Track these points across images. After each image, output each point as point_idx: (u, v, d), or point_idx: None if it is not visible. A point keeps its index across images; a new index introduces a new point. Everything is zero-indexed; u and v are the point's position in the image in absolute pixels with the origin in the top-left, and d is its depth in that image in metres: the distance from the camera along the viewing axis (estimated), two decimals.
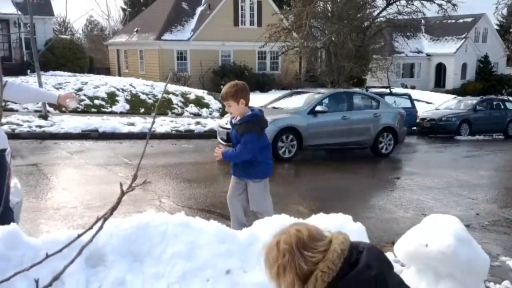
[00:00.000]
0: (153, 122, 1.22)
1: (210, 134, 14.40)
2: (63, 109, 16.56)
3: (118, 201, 1.08)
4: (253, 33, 27.32)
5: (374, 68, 24.81)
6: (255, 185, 4.57)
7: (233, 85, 4.47)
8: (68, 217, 5.96)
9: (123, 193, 1.07)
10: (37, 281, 0.92)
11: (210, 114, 18.95)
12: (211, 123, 15.71)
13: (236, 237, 3.39)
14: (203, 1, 31.73)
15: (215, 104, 19.81)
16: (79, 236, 1.11)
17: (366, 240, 3.62)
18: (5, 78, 3.90)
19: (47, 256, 1.02)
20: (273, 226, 3.42)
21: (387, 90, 17.21)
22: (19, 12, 17.57)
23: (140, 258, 3.07)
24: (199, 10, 31.32)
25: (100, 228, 1.07)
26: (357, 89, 16.59)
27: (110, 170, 8.85)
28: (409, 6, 23.91)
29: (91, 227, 1.07)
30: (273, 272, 1.67)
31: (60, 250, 1.03)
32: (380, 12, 23.98)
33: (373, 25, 23.75)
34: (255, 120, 4.45)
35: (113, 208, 1.10)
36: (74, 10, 64.23)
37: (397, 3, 23.89)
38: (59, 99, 3.87)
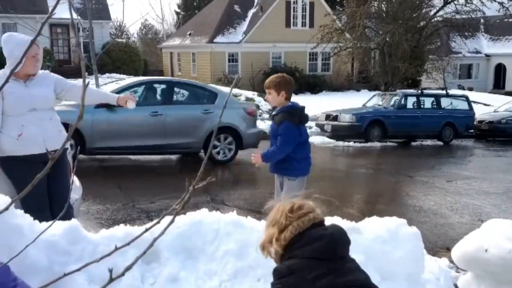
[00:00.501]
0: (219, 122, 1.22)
1: (262, 136, 14.45)
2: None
3: (189, 197, 1.09)
4: (304, 34, 27.20)
5: (430, 69, 24.15)
6: (291, 183, 4.35)
7: (279, 76, 4.36)
8: (124, 215, 6.14)
9: (194, 188, 1.09)
10: (110, 271, 0.96)
11: (260, 115, 19.00)
12: (261, 125, 15.75)
13: None
14: (255, 3, 31.92)
15: (265, 105, 19.85)
16: (147, 230, 1.15)
17: (421, 245, 3.53)
18: (69, 80, 4.09)
19: (116, 248, 1.06)
20: None
21: (443, 92, 16.70)
22: (79, 17, 18.26)
23: (194, 255, 3.12)
24: (251, 12, 31.53)
25: (171, 222, 1.10)
26: (184, 80, 12.89)
27: (164, 168, 9.05)
28: (468, 4, 23.11)
29: (158, 222, 1.10)
30: (267, 222, 2.29)
31: (128, 244, 1.07)
32: (437, 11, 23.29)
33: (430, 25, 23.11)
34: (293, 111, 4.30)
35: (185, 203, 1.12)
36: (130, 14, 66.33)
37: (455, 2, 23.15)
38: (119, 100, 4.05)
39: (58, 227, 2.83)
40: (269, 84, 4.32)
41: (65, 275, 1.10)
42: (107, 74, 24.53)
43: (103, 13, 28.67)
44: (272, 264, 3.20)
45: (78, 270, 1.05)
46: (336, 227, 2.28)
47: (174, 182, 7.32)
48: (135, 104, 4.15)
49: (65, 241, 2.82)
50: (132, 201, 6.84)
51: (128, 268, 0.98)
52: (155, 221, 1.16)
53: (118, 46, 27.62)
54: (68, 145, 3.98)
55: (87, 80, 0.99)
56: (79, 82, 3.96)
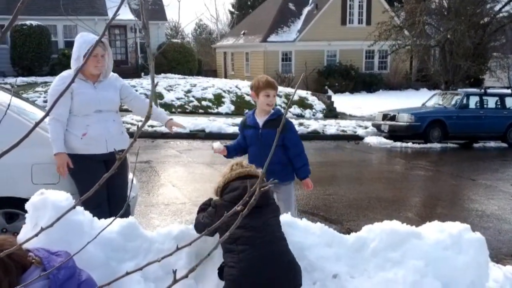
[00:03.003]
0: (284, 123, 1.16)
1: (314, 136, 14.30)
2: (173, 109, 17.40)
3: (244, 213, 1.06)
4: (361, 32, 26.69)
5: (494, 67, 23.02)
6: (287, 187, 4.12)
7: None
8: (177, 213, 6.21)
9: (250, 204, 1.07)
10: (175, 272, 0.93)
11: (313, 115, 18.82)
12: (314, 124, 15.58)
13: (343, 240, 3.32)
14: (310, 1, 31.65)
15: (318, 105, 19.64)
16: (208, 231, 1.12)
17: (486, 252, 3.35)
18: (124, 80, 4.16)
19: (178, 248, 1.03)
20: (382, 231, 3.29)
21: (508, 91, 15.89)
22: (136, 18, 18.72)
23: None
24: (306, 10, 31.31)
25: (220, 222, 1.06)
26: None
27: (216, 169, 9.10)
28: None
29: (218, 224, 1.07)
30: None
31: (190, 244, 1.04)
32: (503, 6, 22.12)
33: (494, 21, 22.02)
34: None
35: (250, 205, 1.08)
36: (185, 15, 67.60)
37: None
38: (168, 123, 4.19)
39: (115, 224, 2.86)
40: (275, 85, 4.13)
41: (127, 273, 1.08)
42: (162, 74, 25.04)
43: (159, 13, 29.25)
44: (329, 268, 3.12)
45: (140, 269, 1.03)
46: (254, 182, 2.56)
47: None
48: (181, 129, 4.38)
49: (121, 238, 2.85)
50: (189, 199, 6.91)
51: (192, 270, 0.95)
52: (217, 223, 1.12)
53: (173, 47, 28.10)
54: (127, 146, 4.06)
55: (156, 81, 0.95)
56: (138, 96, 4.13)
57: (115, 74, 4.02)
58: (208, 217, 2.83)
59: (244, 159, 3.41)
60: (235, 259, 2.60)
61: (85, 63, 3.51)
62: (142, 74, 23.50)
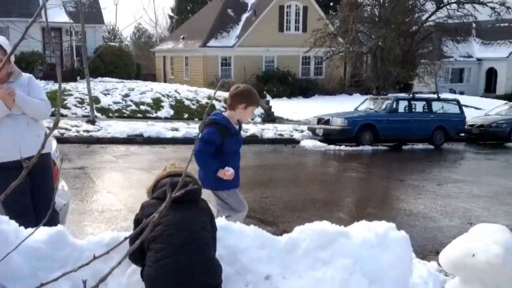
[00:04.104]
0: (202, 126, 1.22)
1: (252, 140, 14.45)
2: (110, 114, 17.03)
3: (166, 205, 1.08)
4: (297, 38, 27.28)
5: (422, 73, 24.24)
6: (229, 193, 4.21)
7: None
8: (112, 220, 6.10)
9: (170, 197, 1.10)
10: (84, 282, 0.94)
11: (252, 119, 19.01)
12: (252, 128, 15.76)
13: (276, 242, 3.38)
14: (248, 8, 31.96)
15: (257, 109, 19.85)
16: (126, 239, 1.13)
17: (410, 249, 3.53)
18: (38, 82, 4.00)
19: (95, 257, 1.04)
20: (313, 231, 3.39)
21: (435, 96, 16.78)
22: (71, 21, 18.20)
23: None
24: (244, 16, 31.58)
25: (148, 231, 1.09)
26: None
27: (154, 174, 9.00)
28: (460, 9, 23.23)
29: (138, 229, 1.09)
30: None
31: (107, 252, 1.05)
32: (429, 16, 23.39)
33: (422, 29, 23.19)
34: None
35: (161, 212, 1.11)
36: (123, 18, 66.18)
37: (448, 6, 23.25)
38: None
39: (43, 233, 2.80)
40: None
41: (42, 285, 1.08)
42: (99, 78, 24.46)
43: (96, 16, 28.57)
44: (261, 269, 3.20)
45: (55, 280, 1.04)
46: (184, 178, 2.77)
47: None
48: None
49: (49, 247, 2.79)
50: (125, 205, 6.80)
51: (102, 280, 0.97)
52: (137, 229, 1.15)
53: (110, 50, 27.53)
54: (52, 149, 3.91)
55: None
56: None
57: (28, 75, 3.77)
58: (136, 225, 2.79)
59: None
60: (152, 259, 2.57)
61: None
62: (78, 77, 22.82)
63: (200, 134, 4.02)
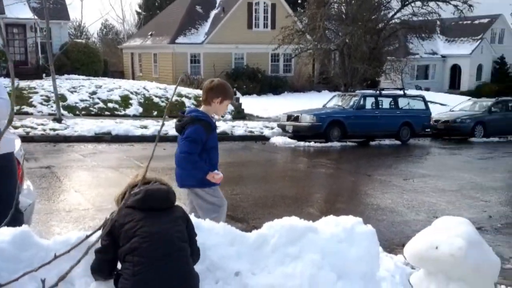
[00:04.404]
0: (162, 125, 1.23)
1: (223, 137, 14.43)
2: (77, 112, 16.74)
3: (125, 203, 1.09)
4: (266, 35, 27.33)
5: (388, 70, 24.67)
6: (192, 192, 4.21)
7: None
8: (80, 219, 6.02)
9: (130, 194, 1.09)
10: (43, 281, 0.93)
11: (222, 116, 18.97)
12: (223, 126, 15.74)
13: (245, 239, 3.39)
14: (217, 5, 31.85)
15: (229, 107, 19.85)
16: (88, 237, 1.13)
17: (376, 243, 3.60)
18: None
19: (55, 257, 1.03)
20: (282, 227, 3.42)
21: (401, 92, 17.10)
22: (36, 17, 17.78)
23: None
24: (213, 13, 31.45)
25: (107, 229, 1.09)
26: None
27: (122, 172, 8.92)
28: (424, 7, 23.73)
29: (99, 228, 1.09)
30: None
31: (68, 251, 1.05)
32: (395, 13, 23.82)
33: (388, 26, 23.60)
34: None
35: (120, 210, 1.11)
36: (89, 14, 64.98)
37: (412, 4, 23.72)
38: None
39: (7, 233, 2.74)
40: None
41: (1, 286, 1.07)
42: (65, 76, 24.02)
43: (62, 12, 27.98)
44: (231, 266, 3.21)
45: (15, 280, 1.03)
46: (157, 186, 2.79)
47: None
48: None
49: (13, 247, 2.74)
50: (93, 205, 6.71)
51: (62, 279, 0.97)
52: (96, 228, 1.15)
53: (77, 47, 27.05)
54: (15, 148, 3.82)
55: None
56: None
57: None
58: (106, 236, 2.63)
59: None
60: (130, 272, 2.51)
61: None
62: (44, 75, 22.33)
63: (184, 133, 3.94)
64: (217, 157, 4.13)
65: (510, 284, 4.39)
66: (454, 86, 39.29)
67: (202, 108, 4.12)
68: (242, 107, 20.15)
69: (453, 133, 17.58)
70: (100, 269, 2.67)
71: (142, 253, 2.52)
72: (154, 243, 2.55)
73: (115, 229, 2.58)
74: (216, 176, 3.99)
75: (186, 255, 2.69)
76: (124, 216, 2.61)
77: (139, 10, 49.72)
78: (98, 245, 2.66)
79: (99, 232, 1.31)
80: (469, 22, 35.62)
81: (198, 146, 3.90)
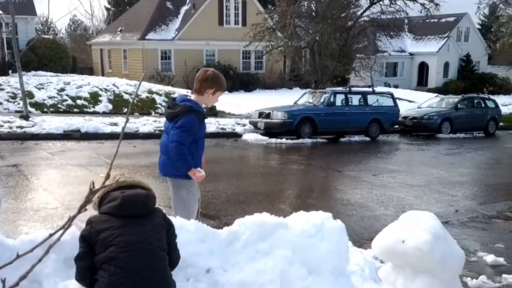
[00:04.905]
0: (127, 121, 1.23)
1: None
2: (45, 109, 16.41)
3: (87, 200, 1.08)
4: (237, 32, 27.32)
5: (358, 67, 24.99)
6: (174, 183, 4.18)
7: None
8: (48, 218, 5.91)
9: (91, 192, 1.09)
10: (3, 281, 0.92)
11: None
12: None
13: (216, 235, 3.40)
14: (187, 1, 31.63)
15: None
16: (51, 235, 1.12)
17: (346, 238, 3.65)
18: None
19: (17, 256, 1.02)
20: (253, 223, 3.44)
21: (370, 89, 17.35)
22: (1, 12, 17.33)
23: None
24: (183, 9, 31.22)
25: (68, 226, 1.08)
26: None
27: (92, 170, 8.79)
28: (392, 5, 24.10)
29: (62, 227, 1.08)
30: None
31: (31, 250, 1.04)
32: (364, 11, 24.13)
33: (357, 24, 23.88)
34: None
35: (81, 207, 1.10)
36: (57, 9, 63.58)
37: (381, 2, 24.07)
38: None
39: None
40: None
41: None
42: (32, 72, 23.53)
43: (28, 7, 27.37)
44: (202, 263, 3.22)
45: None
46: (135, 191, 2.62)
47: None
48: None
49: None
50: (61, 203, 6.60)
51: (23, 278, 0.96)
52: (60, 227, 1.14)
53: (44, 43, 26.50)
54: None
55: None
56: None
57: None
58: (82, 243, 2.54)
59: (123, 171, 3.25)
60: (106, 281, 2.43)
61: None
62: (10, 71, 21.79)
63: (177, 122, 3.87)
64: (203, 147, 4.13)
65: (475, 276, 4.53)
66: (422, 83, 40.08)
67: (193, 97, 4.08)
68: (214, 104, 20.08)
69: (421, 130, 17.94)
70: (80, 277, 2.56)
71: (119, 264, 2.43)
72: (134, 255, 2.45)
73: (92, 236, 2.48)
74: (197, 173, 3.95)
75: (165, 265, 2.62)
76: (100, 223, 2.50)
77: (108, 6, 48.98)
78: (76, 252, 2.57)
79: (65, 231, 1.30)
80: (436, 20, 36.36)
81: (190, 137, 3.87)
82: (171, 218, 3.36)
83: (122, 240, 2.45)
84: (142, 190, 2.68)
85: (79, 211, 0.96)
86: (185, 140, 3.85)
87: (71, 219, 0.98)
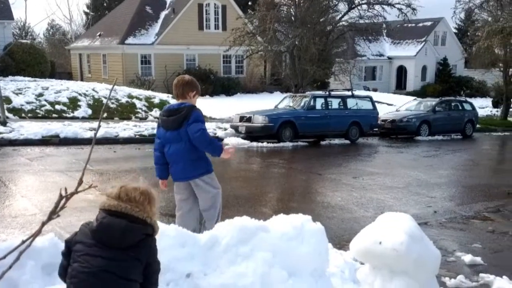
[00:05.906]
0: (99, 127, 1.24)
1: None
2: (23, 114, 16.19)
3: (56, 206, 1.09)
4: (217, 37, 27.34)
5: (337, 72, 25.18)
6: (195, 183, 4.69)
7: None
8: (27, 225, 5.84)
9: (61, 198, 1.10)
10: None
11: None
12: None
13: (197, 240, 3.41)
14: (167, 5, 31.55)
15: None
16: (23, 242, 1.13)
17: (325, 240, 3.69)
18: None
19: None
20: (233, 227, 3.46)
21: (349, 93, 17.52)
22: None
23: None
24: (163, 14, 31.13)
25: (38, 233, 1.09)
26: None
27: (71, 176, 8.71)
28: (370, 10, 24.38)
29: (33, 235, 1.09)
30: None
31: (4, 257, 1.05)
32: (342, 16, 24.37)
33: (336, 29, 24.09)
34: None
35: (51, 213, 1.12)
36: (35, 14, 62.77)
37: (359, 7, 24.33)
38: None
39: None
40: None
41: None
42: (10, 77, 23.20)
43: (5, 12, 27.00)
44: (182, 268, 3.22)
45: None
46: (110, 221, 2.42)
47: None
48: None
49: None
50: (40, 210, 6.53)
51: None
52: (33, 233, 1.16)
53: (22, 47, 26.16)
54: None
55: None
56: None
57: None
58: (65, 244, 2.53)
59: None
60: None
61: None
62: None
63: (189, 120, 4.23)
64: None
65: (453, 276, 4.61)
66: (400, 86, 40.60)
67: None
68: None
69: (400, 132, 18.17)
70: (60, 273, 2.54)
71: (74, 283, 2.35)
72: (90, 278, 2.33)
73: (71, 243, 2.46)
74: (231, 150, 4.51)
75: None
76: (82, 235, 2.45)
77: (87, 10, 48.61)
78: (54, 259, 2.52)
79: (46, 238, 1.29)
80: (413, 25, 36.85)
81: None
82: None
83: (86, 259, 2.36)
84: (122, 221, 2.41)
85: (49, 218, 0.96)
86: (205, 128, 4.33)
87: (41, 226, 0.99)
